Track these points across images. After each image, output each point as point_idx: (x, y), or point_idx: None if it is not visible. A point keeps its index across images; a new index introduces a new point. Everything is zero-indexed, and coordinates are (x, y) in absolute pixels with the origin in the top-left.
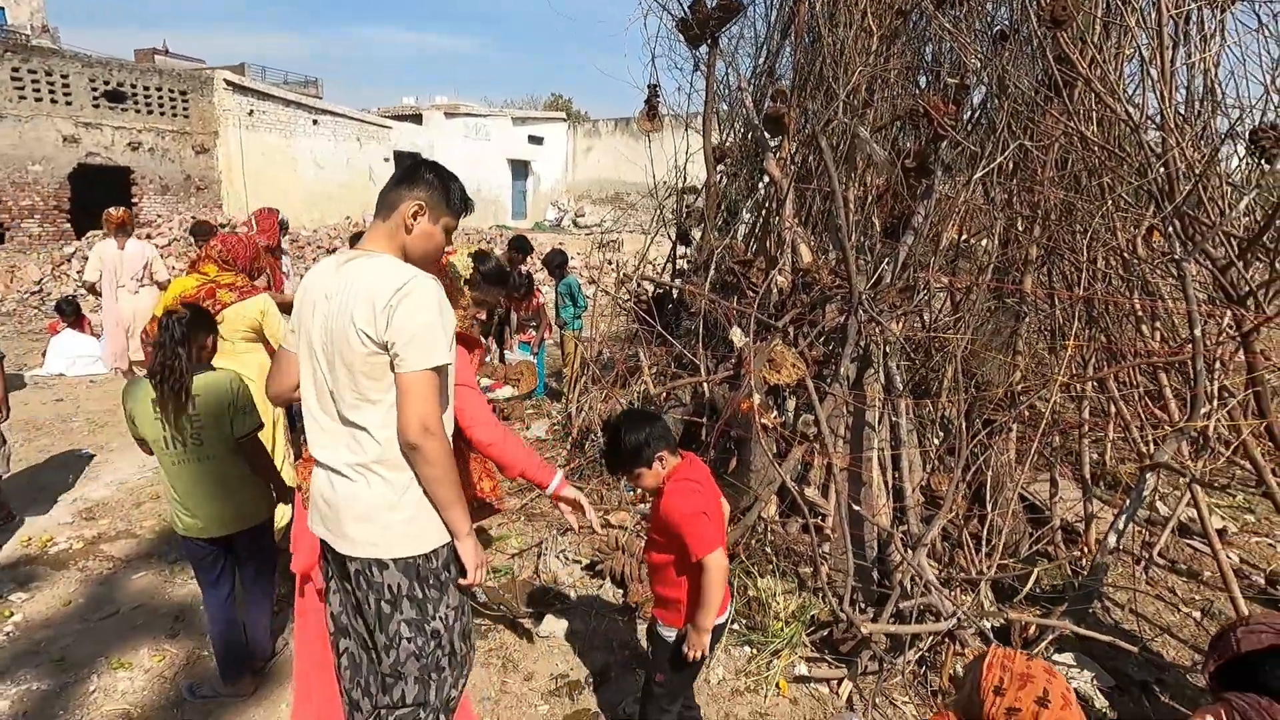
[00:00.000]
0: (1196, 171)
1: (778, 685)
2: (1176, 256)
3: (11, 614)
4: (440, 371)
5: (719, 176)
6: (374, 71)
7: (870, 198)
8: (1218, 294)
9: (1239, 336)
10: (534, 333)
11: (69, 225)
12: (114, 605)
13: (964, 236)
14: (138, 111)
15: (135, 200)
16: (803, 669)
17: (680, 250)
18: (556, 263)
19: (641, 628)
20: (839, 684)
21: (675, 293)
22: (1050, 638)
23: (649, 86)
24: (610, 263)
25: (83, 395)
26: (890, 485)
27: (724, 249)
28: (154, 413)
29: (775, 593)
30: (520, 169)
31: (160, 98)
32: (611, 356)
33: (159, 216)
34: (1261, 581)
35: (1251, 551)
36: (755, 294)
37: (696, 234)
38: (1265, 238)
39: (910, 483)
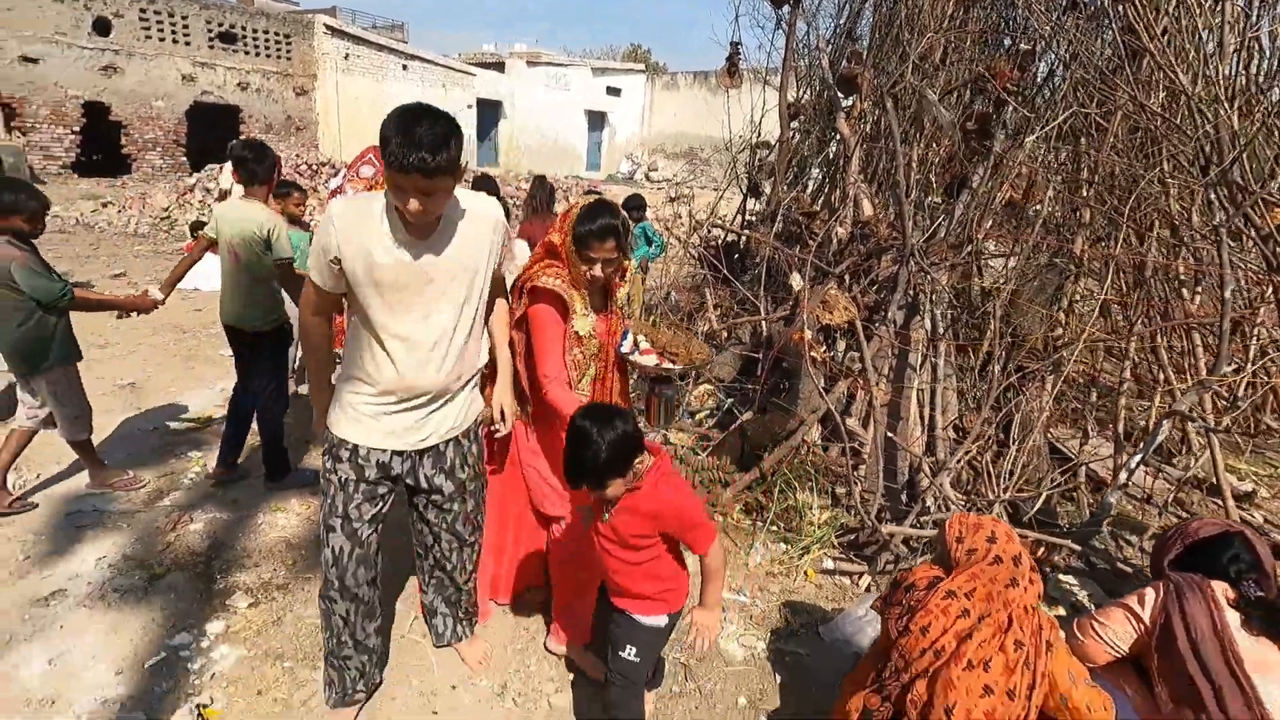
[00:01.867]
0: (1242, 141)
1: (806, 573)
2: (1215, 222)
3: (201, 464)
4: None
5: (792, 133)
6: (456, 17)
7: (933, 158)
8: (1260, 262)
9: (1277, 303)
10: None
11: (185, 159)
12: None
13: (1024, 199)
14: (246, 53)
15: (244, 138)
16: (829, 564)
17: (750, 203)
18: (635, 205)
19: None
20: (859, 577)
21: (742, 242)
22: (1057, 556)
23: (731, 44)
24: (679, 217)
25: (216, 305)
26: (925, 421)
27: (791, 201)
28: None
29: (811, 505)
30: (597, 120)
31: (266, 40)
32: (679, 298)
33: None
34: (1278, 538)
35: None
36: (815, 243)
37: (767, 187)
38: None
39: (943, 419)
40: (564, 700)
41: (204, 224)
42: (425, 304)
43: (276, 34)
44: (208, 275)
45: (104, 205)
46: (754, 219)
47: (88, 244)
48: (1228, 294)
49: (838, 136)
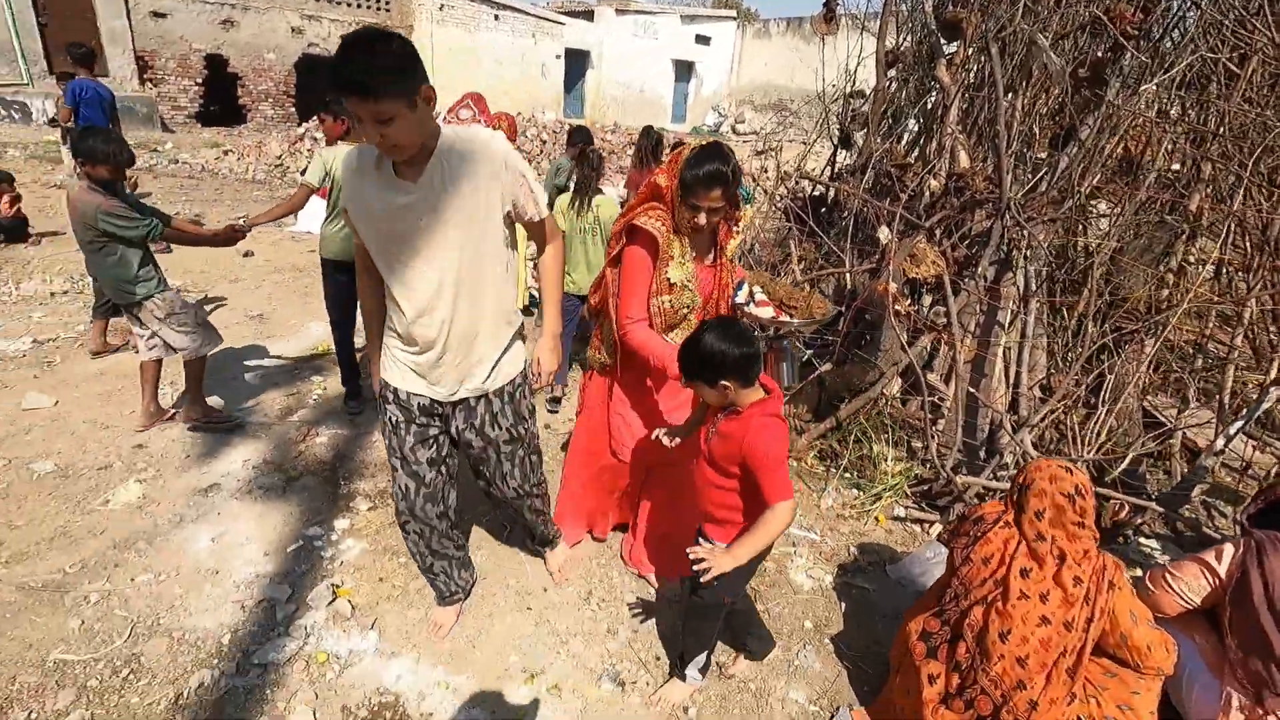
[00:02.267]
0: None
1: (876, 518)
2: None
3: (323, 389)
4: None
5: (889, 81)
6: None
7: (1040, 109)
8: None
9: None
10: None
11: (294, 109)
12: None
13: (1139, 153)
14: (350, 5)
15: None
16: (900, 511)
17: (840, 155)
18: None
19: None
20: (930, 526)
21: (830, 195)
22: (1139, 521)
23: None
24: (765, 170)
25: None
26: (1010, 379)
27: (884, 153)
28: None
29: (886, 456)
30: (684, 70)
31: None
32: (762, 251)
33: None
34: None
35: None
36: (906, 196)
37: (859, 138)
38: None
39: (1030, 377)
40: (640, 610)
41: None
42: (422, 250)
43: None
44: (318, 217)
45: (225, 153)
46: (844, 171)
47: (213, 189)
48: None
49: (937, 85)
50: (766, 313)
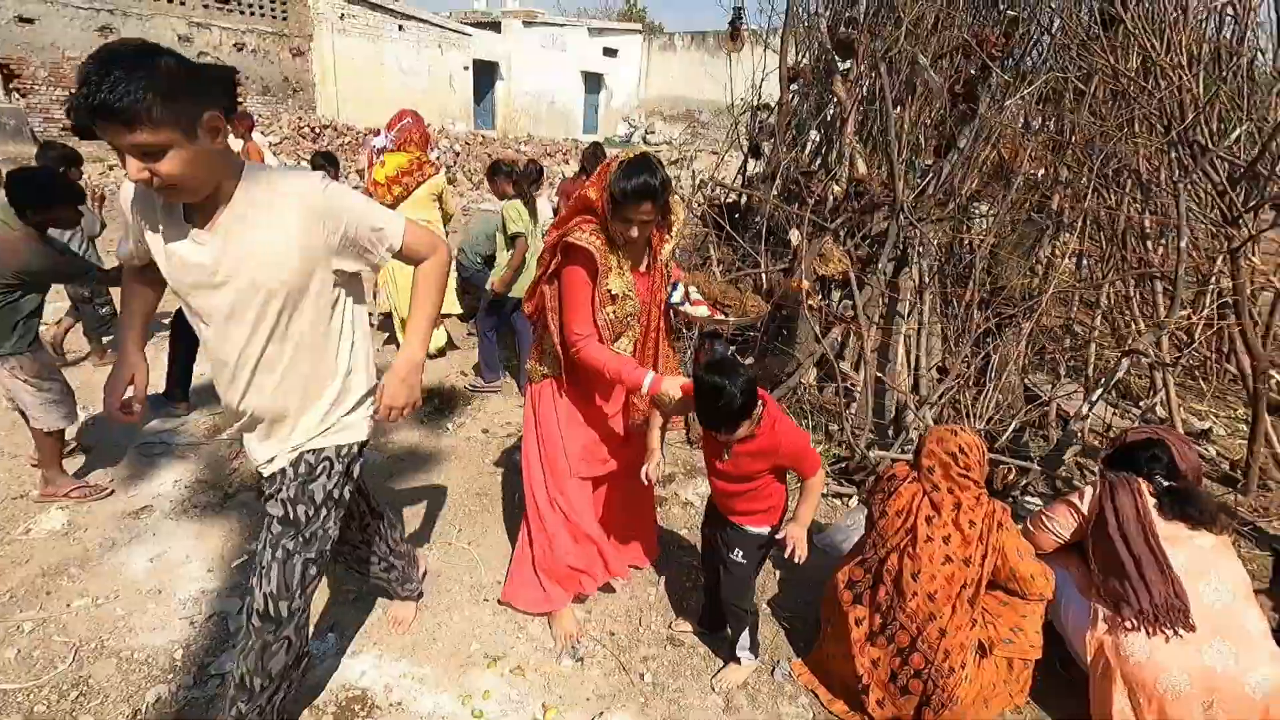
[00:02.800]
0: (1201, 103)
1: None
2: (1175, 178)
3: None
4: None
5: (791, 95)
6: None
7: (924, 121)
8: (1216, 215)
9: (1228, 251)
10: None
11: None
12: None
13: (1011, 160)
14: (242, 13)
15: (240, 100)
16: (822, 489)
17: (750, 164)
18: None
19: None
20: (849, 499)
21: (743, 201)
22: (1025, 481)
23: (734, 9)
24: (679, 180)
25: None
26: (911, 363)
27: (790, 161)
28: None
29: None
30: (594, 82)
31: (262, 1)
32: (682, 255)
33: (259, 117)
34: (1226, 467)
35: (1235, 451)
36: (813, 201)
37: (767, 148)
38: (1258, 166)
39: (927, 360)
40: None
41: None
42: (222, 313)
43: None
44: None
45: (110, 168)
46: (754, 179)
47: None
48: (1183, 244)
49: (835, 99)
50: (702, 311)
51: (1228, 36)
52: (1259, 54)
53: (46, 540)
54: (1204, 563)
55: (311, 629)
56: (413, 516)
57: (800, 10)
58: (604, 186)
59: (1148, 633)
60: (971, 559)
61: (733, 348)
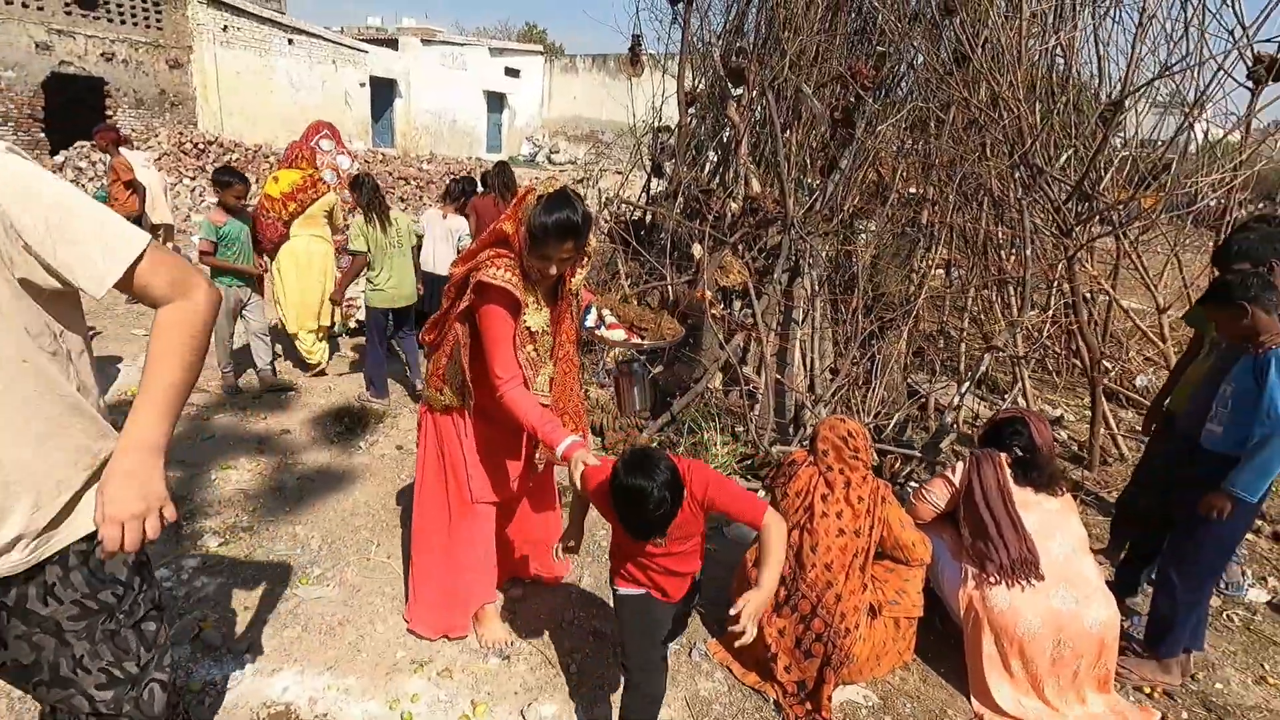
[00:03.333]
0: (1037, 131)
1: None
2: (1019, 195)
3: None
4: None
5: (690, 118)
6: None
7: (810, 143)
8: (1053, 227)
9: (1065, 259)
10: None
11: (43, 135)
12: (210, 431)
13: (889, 179)
14: (110, 20)
15: (110, 113)
16: None
17: (653, 182)
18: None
19: None
20: (756, 493)
21: (649, 217)
22: (908, 469)
23: (633, 36)
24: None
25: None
26: (808, 365)
27: (690, 180)
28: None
29: (715, 441)
30: (496, 101)
31: (133, 8)
32: (594, 265)
33: (133, 132)
34: (1075, 448)
35: (1083, 435)
36: (713, 217)
37: (668, 167)
38: (1084, 184)
39: (821, 362)
40: (515, 590)
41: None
42: None
43: (144, 1)
44: None
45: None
46: (658, 196)
47: None
48: (1028, 252)
49: (729, 123)
50: (618, 335)
51: (1059, 73)
52: (1081, 89)
53: None
54: (1051, 523)
55: (228, 652)
56: (329, 533)
57: (695, 40)
58: (520, 220)
59: (1007, 585)
60: (861, 530)
61: (646, 361)
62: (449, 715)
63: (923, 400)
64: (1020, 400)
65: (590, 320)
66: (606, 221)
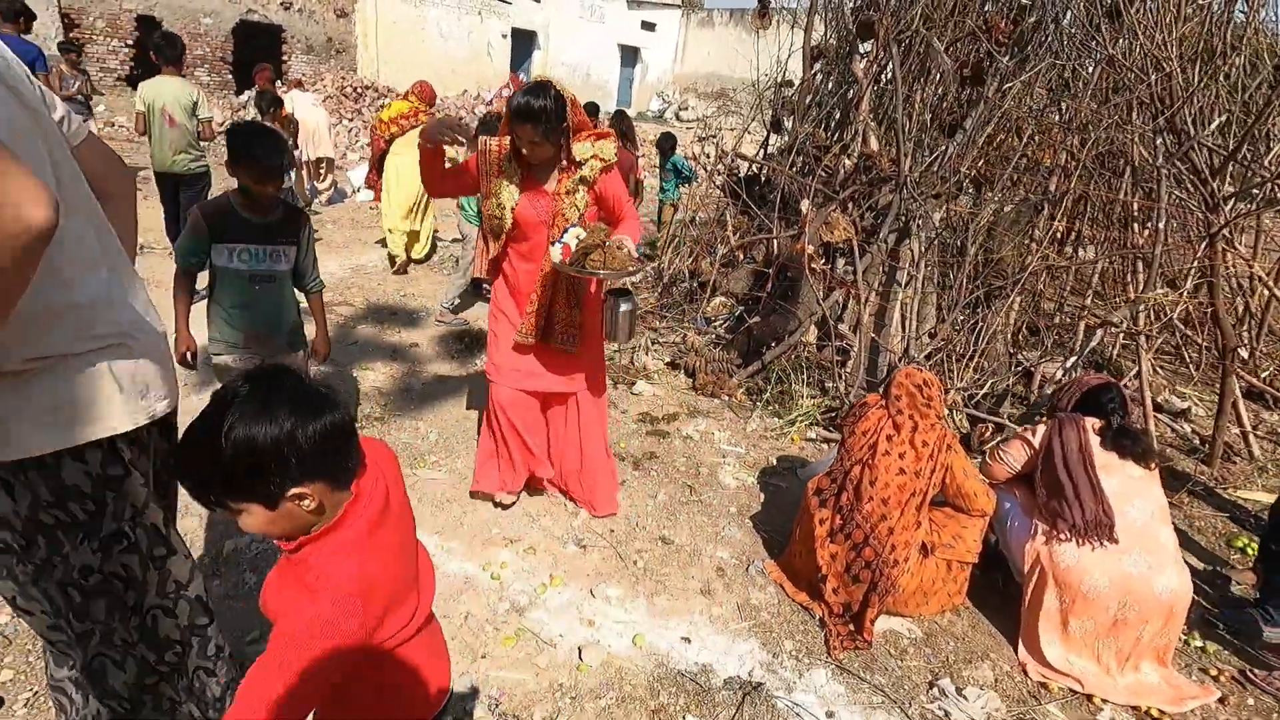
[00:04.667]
0: (1187, 91)
1: (793, 438)
2: (1158, 164)
3: None
4: None
5: (814, 73)
6: None
7: (936, 101)
8: (1199, 202)
9: (1208, 236)
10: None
11: (231, 77)
12: (354, 339)
13: (1010, 145)
14: None
15: (285, 58)
16: (812, 434)
17: (772, 138)
18: (667, 145)
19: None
20: (834, 444)
21: (763, 174)
22: (998, 440)
23: None
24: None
25: None
26: (906, 327)
27: (807, 136)
28: None
29: (803, 394)
30: (630, 55)
31: None
32: (704, 219)
33: (303, 75)
34: (1197, 441)
35: (1209, 431)
36: (824, 173)
37: (788, 123)
38: (1237, 156)
39: (920, 326)
40: None
41: None
42: None
43: None
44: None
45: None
46: (775, 152)
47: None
48: (1161, 225)
49: (854, 78)
50: (556, 254)
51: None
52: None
53: None
54: (1132, 488)
55: None
56: (444, 429)
57: None
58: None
59: (1077, 543)
60: (922, 472)
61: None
62: (530, 582)
63: (1026, 372)
64: (1144, 389)
65: (555, 253)
66: (720, 174)
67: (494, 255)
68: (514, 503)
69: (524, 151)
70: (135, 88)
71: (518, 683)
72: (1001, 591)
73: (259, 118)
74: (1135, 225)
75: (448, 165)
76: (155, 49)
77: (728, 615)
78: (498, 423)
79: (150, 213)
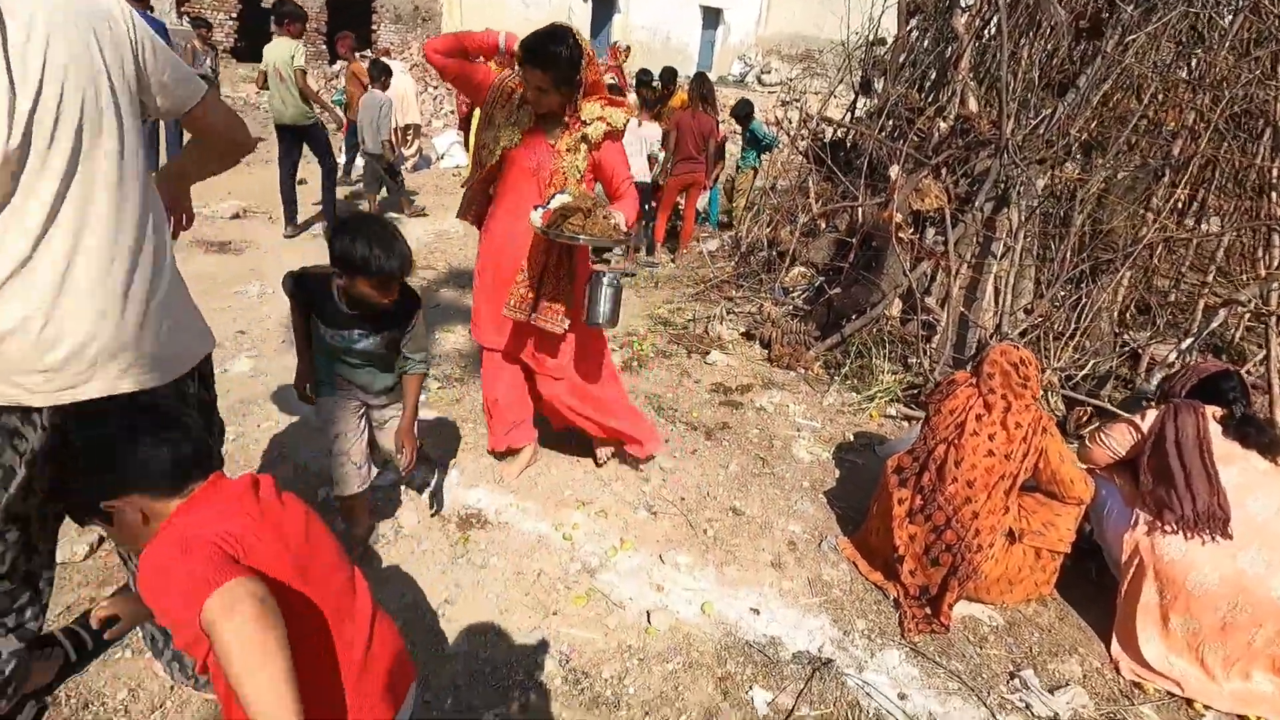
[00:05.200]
0: None
1: (871, 414)
2: None
3: None
4: None
5: (910, 30)
6: None
7: (1044, 58)
8: None
9: None
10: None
11: (325, 47)
12: (435, 301)
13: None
14: None
15: (374, 27)
16: (892, 411)
17: (861, 101)
18: (745, 112)
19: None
20: (916, 422)
21: (849, 139)
22: (1097, 425)
23: None
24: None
25: None
26: (1000, 302)
27: (900, 97)
28: None
29: (884, 369)
30: (712, 17)
31: None
32: (785, 186)
33: (391, 45)
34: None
35: None
36: (916, 137)
37: (879, 84)
38: None
39: (1015, 301)
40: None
41: None
42: None
43: None
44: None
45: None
46: (863, 116)
47: (258, 122)
48: None
49: (953, 34)
50: (537, 219)
51: None
52: None
53: (238, 378)
54: (1255, 481)
55: (439, 466)
56: None
57: None
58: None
59: (1185, 536)
60: (1012, 455)
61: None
62: (601, 544)
63: (1133, 353)
64: (1271, 375)
65: (536, 218)
66: (804, 139)
67: (476, 199)
68: (531, 452)
69: (527, 97)
70: (240, 60)
71: (587, 641)
72: (1095, 583)
73: (367, 87)
74: (1274, 194)
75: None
76: (274, 14)
77: (798, 589)
78: (487, 380)
79: (252, 179)
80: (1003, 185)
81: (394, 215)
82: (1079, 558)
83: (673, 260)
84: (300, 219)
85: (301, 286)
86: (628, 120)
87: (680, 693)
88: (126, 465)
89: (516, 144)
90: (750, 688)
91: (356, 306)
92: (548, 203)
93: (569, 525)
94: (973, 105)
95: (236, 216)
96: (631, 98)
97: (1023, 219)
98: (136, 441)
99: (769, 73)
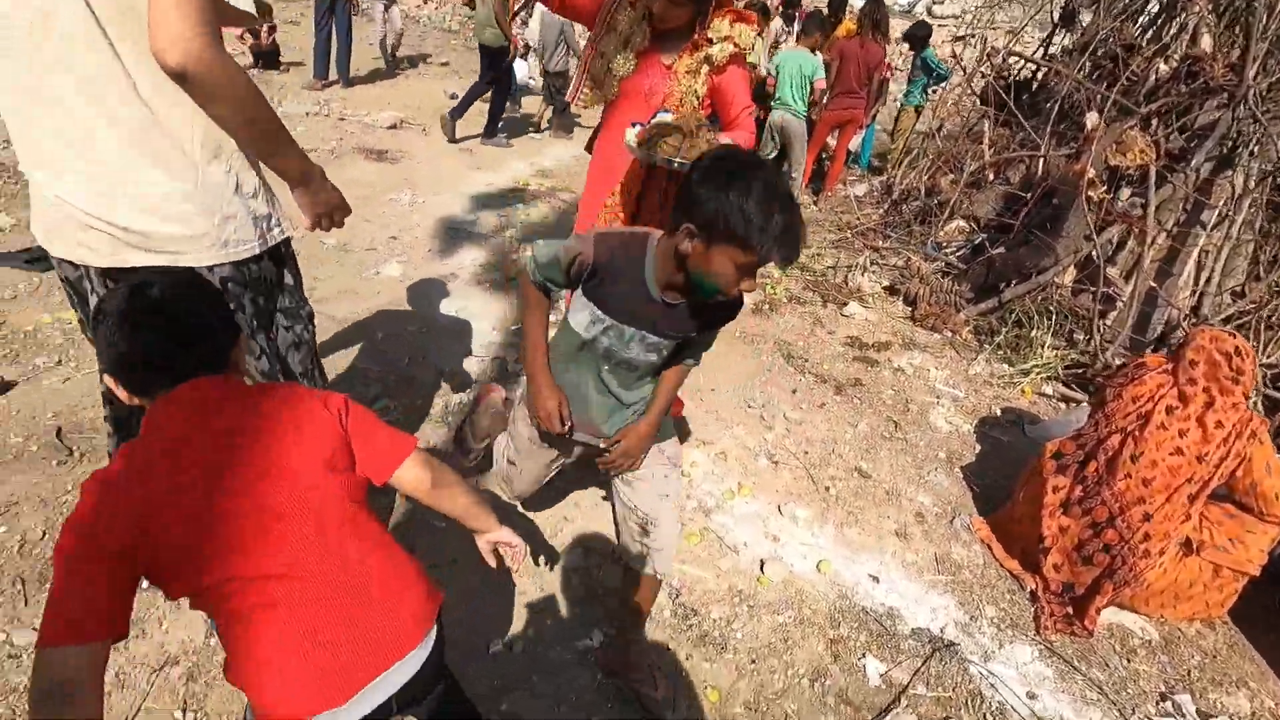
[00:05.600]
0: None
1: (1023, 390)
2: None
3: (526, 215)
4: None
5: None
6: None
7: None
8: None
9: None
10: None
11: None
12: (569, 224)
13: None
14: None
15: None
16: (1049, 390)
17: (1058, 36)
18: (921, 34)
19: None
20: (1077, 405)
21: (1037, 79)
22: None
23: None
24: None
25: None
26: (1202, 280)
27: (1111, 31)
28: None
29: (1044, 342)
30: None
31: None
32: (952, 130)
33: None
34: None
35: None
36: (1128, 81)
37: (1085, 16)
38: None
39: (1224, 281)
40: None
41: None
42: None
43: None
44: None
45: (425, 1)
46: (1059, 53)
47: (416, 36)
48: None
49: None
50: (632, 137)
51: None
52: None
53: (388, 281)
54: None
55: None
56: None
57: None
58: None
59: None
60: (1207, 458)
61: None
62: (718, 486)
63: None
64: None
65: (631, 136)
66: (984, 77)
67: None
68: None
69: (654, 10)
70: None
71: (698, 579)
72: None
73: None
74: None
75: None
76: None
77: (923, 564)
78: None
79: (410, 91)
80: (1231, 142)
81: (543, 131)
82: (1268, 584)
83: (814, 203)
84: (459, 134)
85: (600, 248)
86: (755, 38)
87: (789, 647)
88: (99, 345)
89: (630, 72)
90: (863, 655)
91: (674, 289)
92: (652, 118)
93: (688, 463)
94: (1206, 44)
95: (394, 127)
96: (776, 23)
97: (1250, 184)
98: (100, 323)
99: (941, 3)
